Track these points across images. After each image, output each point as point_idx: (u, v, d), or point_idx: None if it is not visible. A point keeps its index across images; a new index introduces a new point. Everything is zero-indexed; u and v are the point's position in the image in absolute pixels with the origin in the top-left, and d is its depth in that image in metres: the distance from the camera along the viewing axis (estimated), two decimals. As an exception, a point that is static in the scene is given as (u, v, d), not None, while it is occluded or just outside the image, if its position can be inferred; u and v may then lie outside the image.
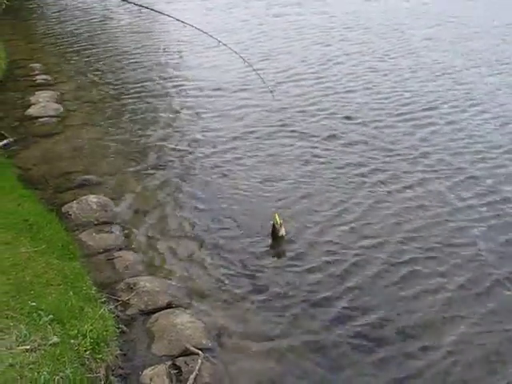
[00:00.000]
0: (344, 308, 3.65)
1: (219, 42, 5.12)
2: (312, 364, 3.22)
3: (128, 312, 3.52)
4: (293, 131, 6.09)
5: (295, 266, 4.07)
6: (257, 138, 5.91)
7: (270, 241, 4.28)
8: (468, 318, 3.59)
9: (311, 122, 6.33)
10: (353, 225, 4.50)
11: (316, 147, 5.75)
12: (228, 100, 6.84)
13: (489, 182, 5.22)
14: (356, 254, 4.14)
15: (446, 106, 6.95)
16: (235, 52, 5.22)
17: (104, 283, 3.69)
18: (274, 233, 4.27)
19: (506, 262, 4.13)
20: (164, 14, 6.01)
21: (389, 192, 4.99)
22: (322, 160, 5.51)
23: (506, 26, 10.80)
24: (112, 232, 4.34)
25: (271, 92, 5.96)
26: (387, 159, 5.51)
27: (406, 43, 9.50)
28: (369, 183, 5.11)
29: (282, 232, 4.27)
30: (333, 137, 5.97)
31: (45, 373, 2.46)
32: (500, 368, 3.25)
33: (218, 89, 7.15)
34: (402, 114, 6.64)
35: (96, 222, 4.42)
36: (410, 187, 5.07)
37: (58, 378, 2.49)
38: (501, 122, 6.52)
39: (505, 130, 6.33)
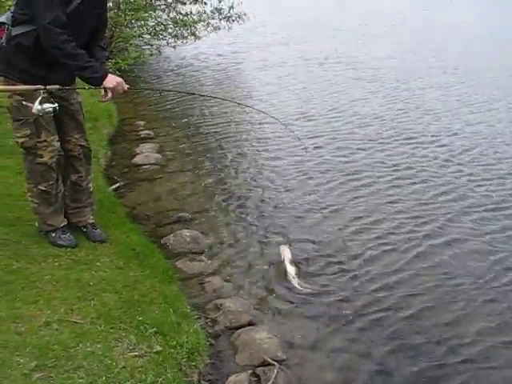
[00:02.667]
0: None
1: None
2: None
3: (216, 328, 3.61)
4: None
5: (371, 286, 4.11)
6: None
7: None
8: None
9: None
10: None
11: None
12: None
13: None
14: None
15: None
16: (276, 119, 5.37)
17: (196, 303, 3.81)
18: None
19: None
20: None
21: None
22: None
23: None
24: (202, 260, 4.47)
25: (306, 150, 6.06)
26: (449, 216, 5.43)
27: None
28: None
29: None
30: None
31: (151, 375, 2.60)
32: None
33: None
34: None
35: (189, 252, 4.58)
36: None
37: (161, 379, 2.61)
38: None
39: None
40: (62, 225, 3.79)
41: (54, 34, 3.14)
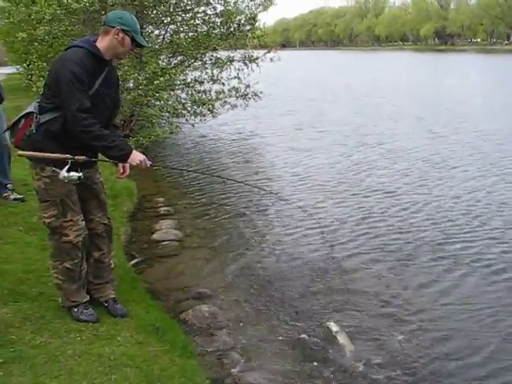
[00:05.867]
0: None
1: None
2: None
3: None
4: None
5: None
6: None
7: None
8: None
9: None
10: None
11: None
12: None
13: None
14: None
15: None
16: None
17: (215, 378, 3.90)
18: None
19: None
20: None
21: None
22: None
23: None
24: (221, 336, 4.58)
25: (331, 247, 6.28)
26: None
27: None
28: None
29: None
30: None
31: None
32: None
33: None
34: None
35: (208, 328, 4.69)
36: None
37: None
38: None
39: None
40: (84, 300, 3.97)
41: (80, 119, 3.46)
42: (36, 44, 11.86)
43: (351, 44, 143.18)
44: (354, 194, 8.82)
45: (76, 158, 3.59)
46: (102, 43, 3.58)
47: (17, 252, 4.85)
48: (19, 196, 6.46)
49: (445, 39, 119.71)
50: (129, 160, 3.62)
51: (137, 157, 3.63)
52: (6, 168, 6.46)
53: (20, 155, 3.71)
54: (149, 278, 5.61)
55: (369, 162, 11.16)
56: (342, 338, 4.44)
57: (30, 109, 3.67)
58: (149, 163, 3.74)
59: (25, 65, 13.78)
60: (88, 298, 4.02)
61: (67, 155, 3.56)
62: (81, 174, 3.62)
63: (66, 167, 3.53)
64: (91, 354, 3.44)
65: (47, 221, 3.75)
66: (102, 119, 3.64)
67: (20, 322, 3.71)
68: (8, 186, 6.44)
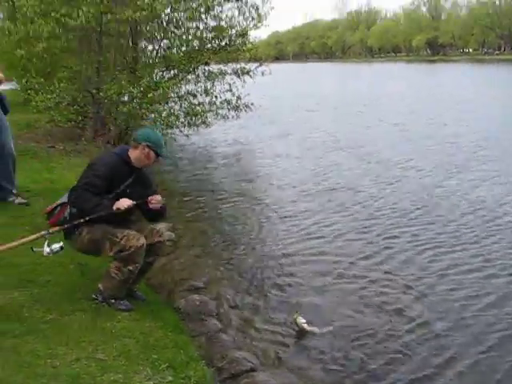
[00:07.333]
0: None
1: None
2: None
3: (221, 375, 4.15)
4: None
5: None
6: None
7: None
8: None
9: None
10: None
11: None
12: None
13: None
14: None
15: None
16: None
17: (204, 355, 4.36)
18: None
19: None
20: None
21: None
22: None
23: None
24: (211, 321, 5.08)
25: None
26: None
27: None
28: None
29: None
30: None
31: (163, 396, 3.21)
32: None
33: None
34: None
35: (199, 314, 5.18)
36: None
37: (171, 401, 3.22)
38: None
39: None
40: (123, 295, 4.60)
41: (82, 189, 4.25)
42: (34, 60, 12.42)
43: (344, 56, 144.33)
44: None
45: (50, 230, 4.26)
46: (133, 154, 4.43)
47: (25, 248, 5.32)
48: (23, 200, 6.99)
49: (437, 49, 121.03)
50: (115, 208, 4.23)
51: (121, 203, 4.25)
52: (11, 175, 6.99)
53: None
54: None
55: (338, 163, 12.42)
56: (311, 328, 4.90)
57: (63, 200, 4.46)
58: (131, 203, 4.30)
59: (23, 80, 14.31)
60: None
61: (41, 232, 4.18)
62: (61, 243, 4.24)
63: (46, 243, 4.14)
64: (95, 327, 3.96)
65: (112, 253, 4.33)
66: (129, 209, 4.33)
67: (31, 303, 4.22)
68: (13, 191, 6.96)
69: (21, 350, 3.50)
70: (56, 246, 4.13)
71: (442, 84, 38.05)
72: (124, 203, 4.23)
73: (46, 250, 4.08)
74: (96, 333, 3.88)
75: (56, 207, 4.47)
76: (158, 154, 4.43)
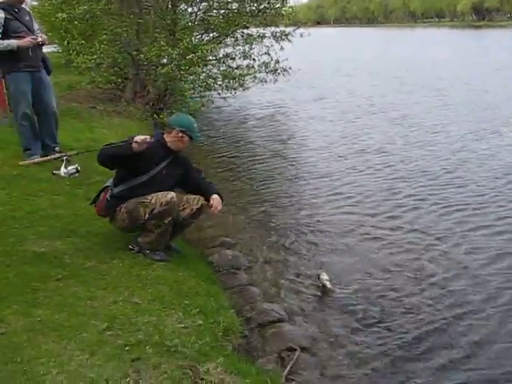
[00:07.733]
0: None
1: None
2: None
3: (249, 324, 4.36)
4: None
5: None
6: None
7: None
8: None
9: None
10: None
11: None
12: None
13: None
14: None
15: None
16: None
17: (234, 304, 4.59)
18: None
19: None
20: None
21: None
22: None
23: None
24: (242, 274, 5.30)
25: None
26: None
27: None
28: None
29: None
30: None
31: (193, 337, 3.42)
32: None
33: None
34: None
35: (230, 267, 5.40)
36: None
37: (201, 342, 3.42)
38: None
39: None
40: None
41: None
42: (76, 23, 12.62)
43: (386, 21, 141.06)
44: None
45: (69, 153, 4.58)
46: (168, 138, 4.62)
47: (66, 202, 5.60)
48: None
49: (483, 14, 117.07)
50: (133, 142, 4.31)
51: (139, 138, 4.34)
52: (54, 132, 7.25)
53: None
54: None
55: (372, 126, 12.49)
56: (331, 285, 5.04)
57: (108, 183, 4.75)
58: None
59: (64, 43, 14.54)
60: None
61: (61, 153, 4.40)
62: (77, 165, 4.50)
63: (64, 164, 4.36)
64: (131, 274, 4.19)
65: (147, 215, 4.49)
66: (166, 188, 4.53)
67: (72, 251, 4.48)
68: (56, 148, 7.23)
69: (63, 292, 3.75)
70: (72, 168, 4.43)
71: (488, 50, 36.95)
72: (139, 138, 4.32)
73: (64, 170, 4.38)
74: (132, 279, 4.11)
75: (99, 194, 4.74)
76: (191, 138, 4.61)
